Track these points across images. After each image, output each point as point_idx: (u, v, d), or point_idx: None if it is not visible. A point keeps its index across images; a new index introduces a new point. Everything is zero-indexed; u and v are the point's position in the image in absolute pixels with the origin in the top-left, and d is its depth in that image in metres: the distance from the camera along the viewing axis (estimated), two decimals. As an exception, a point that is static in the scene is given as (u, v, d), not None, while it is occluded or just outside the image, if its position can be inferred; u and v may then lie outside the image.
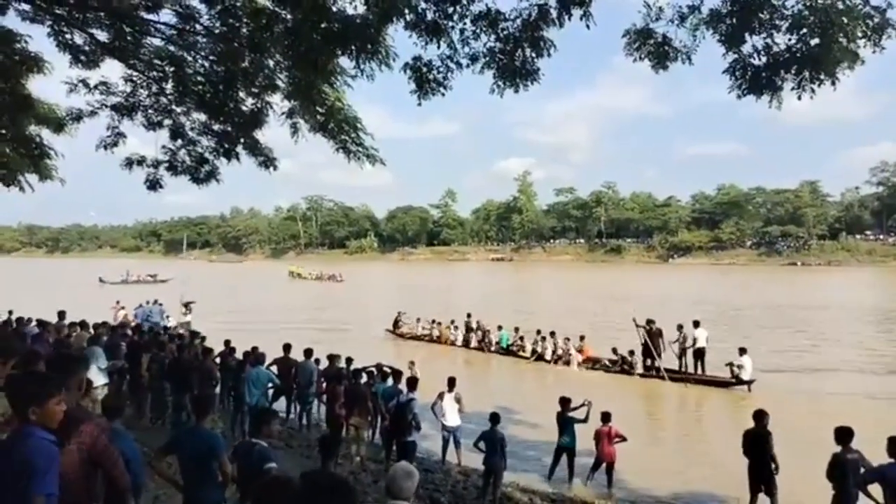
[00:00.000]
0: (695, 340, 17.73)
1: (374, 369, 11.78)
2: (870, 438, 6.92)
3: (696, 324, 18.03)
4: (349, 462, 9.86)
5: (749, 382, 16.27)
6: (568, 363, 19.78)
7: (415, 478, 3.54)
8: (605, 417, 9.80)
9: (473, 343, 23.34)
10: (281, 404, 12.84)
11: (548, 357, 20.46)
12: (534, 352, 20.99)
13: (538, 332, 21.50)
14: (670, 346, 18.26)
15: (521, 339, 21.92)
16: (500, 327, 23.11)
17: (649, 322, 18.30)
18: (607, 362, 19.37)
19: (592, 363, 19.73)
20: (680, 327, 18.33)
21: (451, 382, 10.83)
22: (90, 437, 3.36)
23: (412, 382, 9.77)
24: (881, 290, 54.22)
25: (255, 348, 11.69)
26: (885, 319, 32.50)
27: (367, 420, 10.43)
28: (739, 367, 16.37)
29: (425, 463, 10.39)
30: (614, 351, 19.28)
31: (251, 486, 4.86)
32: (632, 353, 18.67)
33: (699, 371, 17.64)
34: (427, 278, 73.17)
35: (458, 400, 10.66)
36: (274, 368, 12.04)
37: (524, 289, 59.18)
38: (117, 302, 26.22)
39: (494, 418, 9.07)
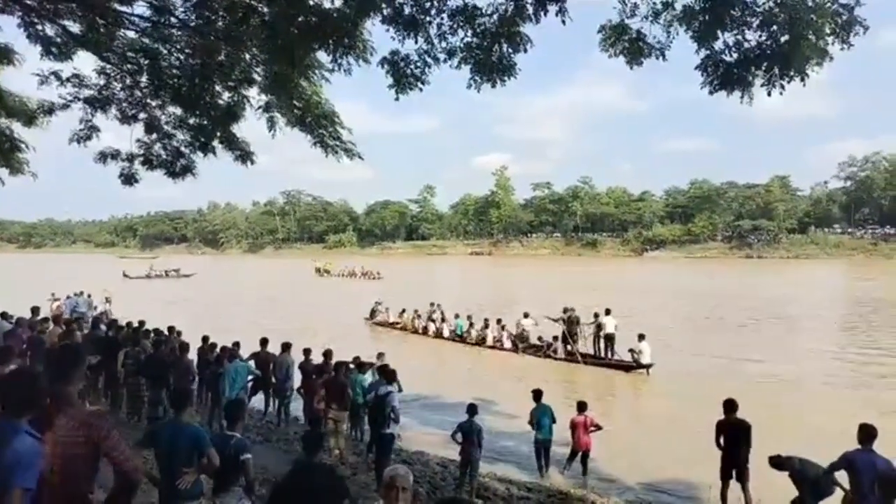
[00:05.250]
0: (603, 326, 19.08)
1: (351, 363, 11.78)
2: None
3: (608, 311, 19.35)
4: (328, 455, 9.88)
5: (648, 366, 17.53)
6: (501, 347, 21.66)
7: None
8: (581, 407, 9.96)
9: (432, 330, 25.09)
10: (259, 399, 12.86)
11: (489, 342, 22.17)
12: (477, 336, 22.76)
13: (485, 321, 22.98)
14: (585, 331, 19.69)
15: (472, 325, 23.64)
16: (456, 316, 24.61)
17: (566, 310, 19.69)
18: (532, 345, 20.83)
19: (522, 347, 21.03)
20: (596, 315, 19.56)
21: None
22: (101, 430, 3.37)
23: (390, 374, 9.81)
24: (830, 282, 56.48)
25: (236, 343, 11.64)
26: (820, 315, 32.96)
27: (346, 413, 10.47)
28: (639, 352, 17.62)
29: (403, 454, 10.47)
30: (540, 339, 20.62)
31: (229, 476, 4.90)
32: (555, 338, 19.95)
33: (608, 355, 18.92)
34: (412, 272, 72.96)
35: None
36: (252, 363, 12.03)
37: (502, 282, 59.51)
38: (52, 294, 25.73)
39: (472, 409, 9.15)
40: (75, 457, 3.25)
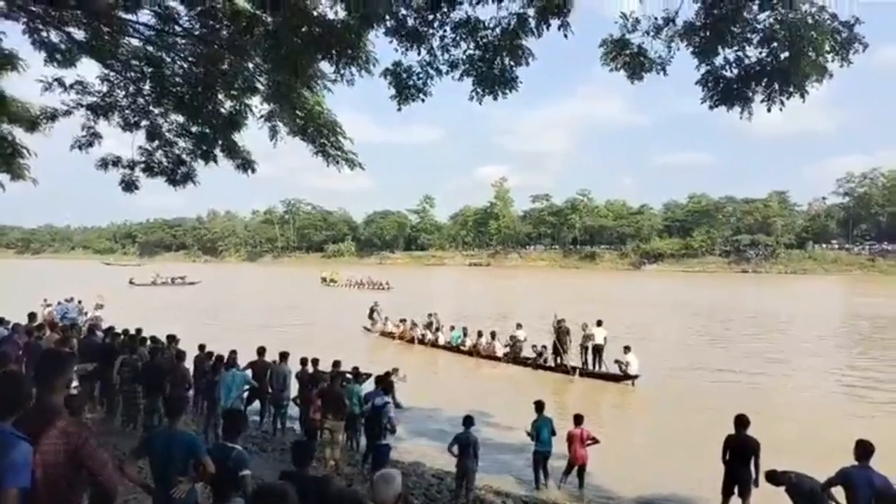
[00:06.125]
0: (592, 337, 19.25)
1: (350, 374, 11.77)
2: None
3: (599, 323, 19.58)
4: (323, 466, 9.83)
5: (634, 377, 17.71)
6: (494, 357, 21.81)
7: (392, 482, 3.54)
8: (578, 420, 9.91)
9: (429, 339, 25.44)
10: (255, 408, 12.79)
11: (482, 352, 22.42)
12: (472, 347, 23.05)
13: (479, 332, 23.21)
14: (576, 343, 19.80)
15: (466, 336, 23.96)
16: (452, 327, 25.05)
17: (559, 321, 19.83)
18: (525, 357, 20.98)
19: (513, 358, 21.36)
20: (585, 326, 19.73)
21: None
22: (78, 439, 3.34)
23: (388, 386, 9.79)
24: (829, 298, 56.62)
25: (233, 352, 11.59)
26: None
27: (342, 423, 10.42)
28: (626, 363, 17.81)
29: (399, 466, 10.41)
30: (533, 348, 20.82)
31: (228, 487, 4.86)
32: (545, 347, 20.31)
33: (597, 366, 19.04)
34: (412, 282, 72.20)
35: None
36: (248, 372, 11.99)
37: (500, 293, 59.42)
38: (44, 300, 25.44)
39: (468, 421, 9.11)
40: (56, 465, 3.21)
